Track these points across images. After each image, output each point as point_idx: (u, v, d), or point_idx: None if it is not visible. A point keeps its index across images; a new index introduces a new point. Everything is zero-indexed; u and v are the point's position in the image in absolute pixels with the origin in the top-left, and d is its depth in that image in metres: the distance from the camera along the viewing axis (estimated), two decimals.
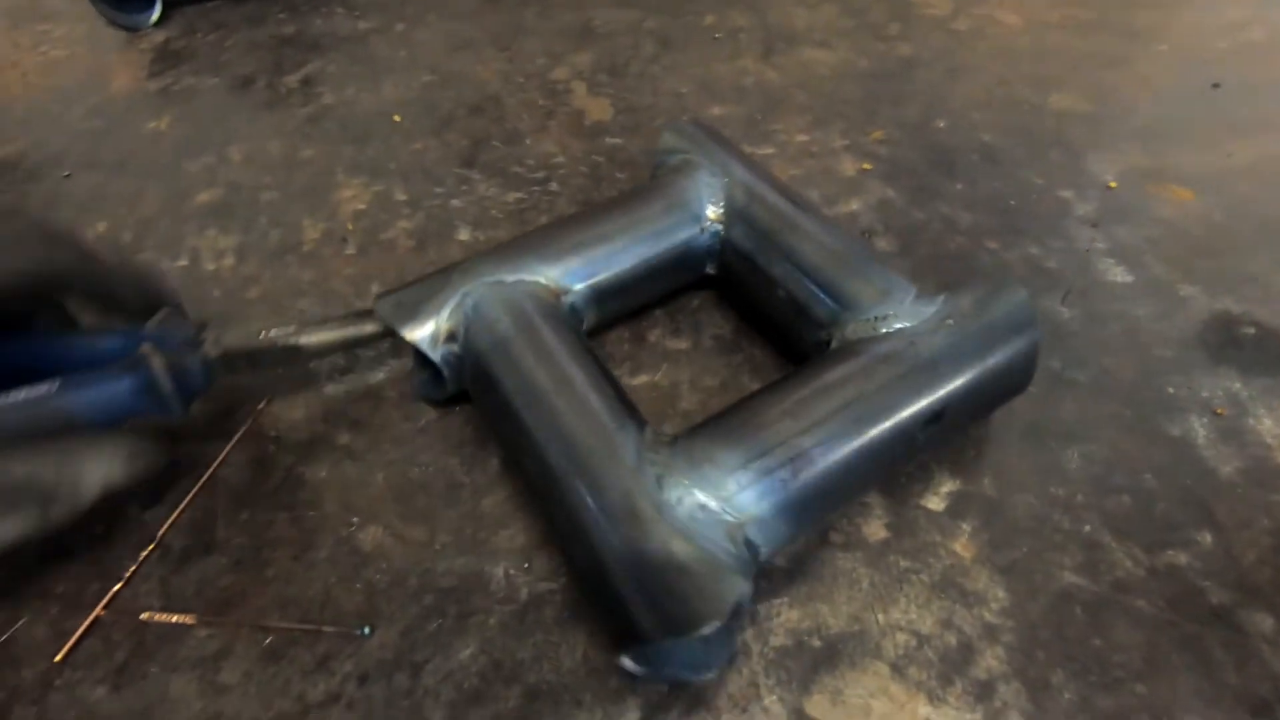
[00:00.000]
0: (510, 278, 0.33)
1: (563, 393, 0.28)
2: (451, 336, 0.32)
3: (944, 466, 0.32)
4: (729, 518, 0.25)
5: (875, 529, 0.31)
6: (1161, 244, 0.42)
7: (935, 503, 0.31)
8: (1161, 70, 0.54)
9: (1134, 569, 0.29)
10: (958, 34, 0.59)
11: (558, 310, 0.33)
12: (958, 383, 0.29)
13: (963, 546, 0.30)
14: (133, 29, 0.64)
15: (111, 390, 0.30)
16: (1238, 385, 0.35)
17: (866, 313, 0.31)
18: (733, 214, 0.36)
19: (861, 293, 0.31)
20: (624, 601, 0.24)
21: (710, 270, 0.38)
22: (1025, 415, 0.34)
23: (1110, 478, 0.32)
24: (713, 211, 0.36)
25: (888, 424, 0.27)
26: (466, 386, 0.33)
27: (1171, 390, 0.35)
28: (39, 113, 0.56)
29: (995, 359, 0.29)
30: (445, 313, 0.32)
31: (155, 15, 0.64)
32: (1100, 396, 0.35)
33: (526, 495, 0.32)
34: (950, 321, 0.30)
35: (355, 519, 0.32)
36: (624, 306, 0.37)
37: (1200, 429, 0.33)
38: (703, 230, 0.36)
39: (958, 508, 0.31)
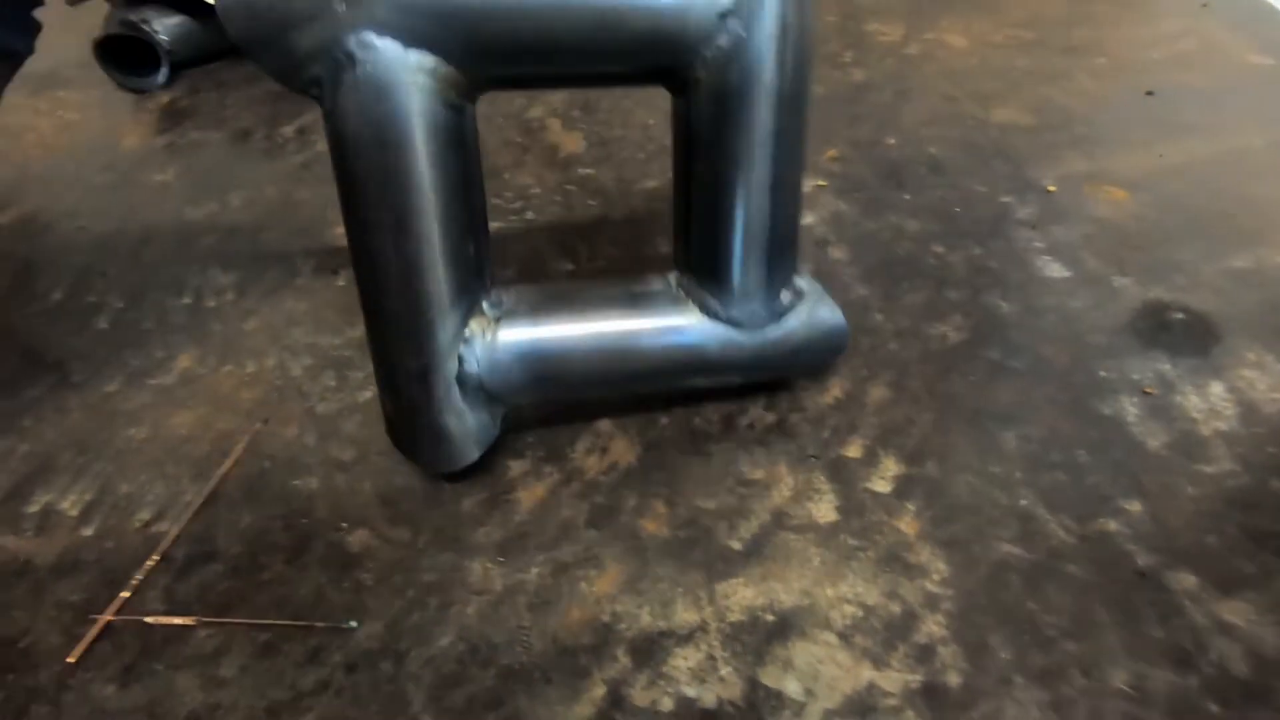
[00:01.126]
0: (415, 54, 0.26)
1: (391, 234, 0.29)
2: (315, 82, 0.27)
3: (890, 453, 0.35)
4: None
5: (825, 511, 0.33)
6: (1096, 240, 0.44)
7: (882, 485, 0.34)
8: (1099, 82, 0.57)
9: (1066, 538, 0.31)
10: (908, 58, 0.63)
11: (450, 118, 0.28)
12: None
13: (907, 524, 0.32)
14: (141, 91, 0.69)
15: None
16: (1167, 366, 0.37)
17: (718, 292, 0.33)
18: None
19: (735, 275, 0.33)
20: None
21: (698, 74, 0.30)
22: (967, 402, 0.37)
23: (1045, 456, 0.34)
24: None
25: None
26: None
27: (1104, 374, 0.37)
28: (55, 171, 0.60)
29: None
30: (310, 60, 0.26)
31: (162, 77, 0.69)
32: (1037, 382, 0.37)
33: (503, 494, 0.34)
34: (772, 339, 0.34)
35: (344, 524, 0.34)
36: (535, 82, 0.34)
37: (1131, 408, 0.36)
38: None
39: (903, 489, 0.33)
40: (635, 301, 0.33)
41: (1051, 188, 0.48)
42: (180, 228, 0.53)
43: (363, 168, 0.27)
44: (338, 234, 0.51)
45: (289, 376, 0.41)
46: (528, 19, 0.25)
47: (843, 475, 0.34)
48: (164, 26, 0.68)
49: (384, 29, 0.24)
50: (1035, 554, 0.31)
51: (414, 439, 0.33)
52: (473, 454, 0.33)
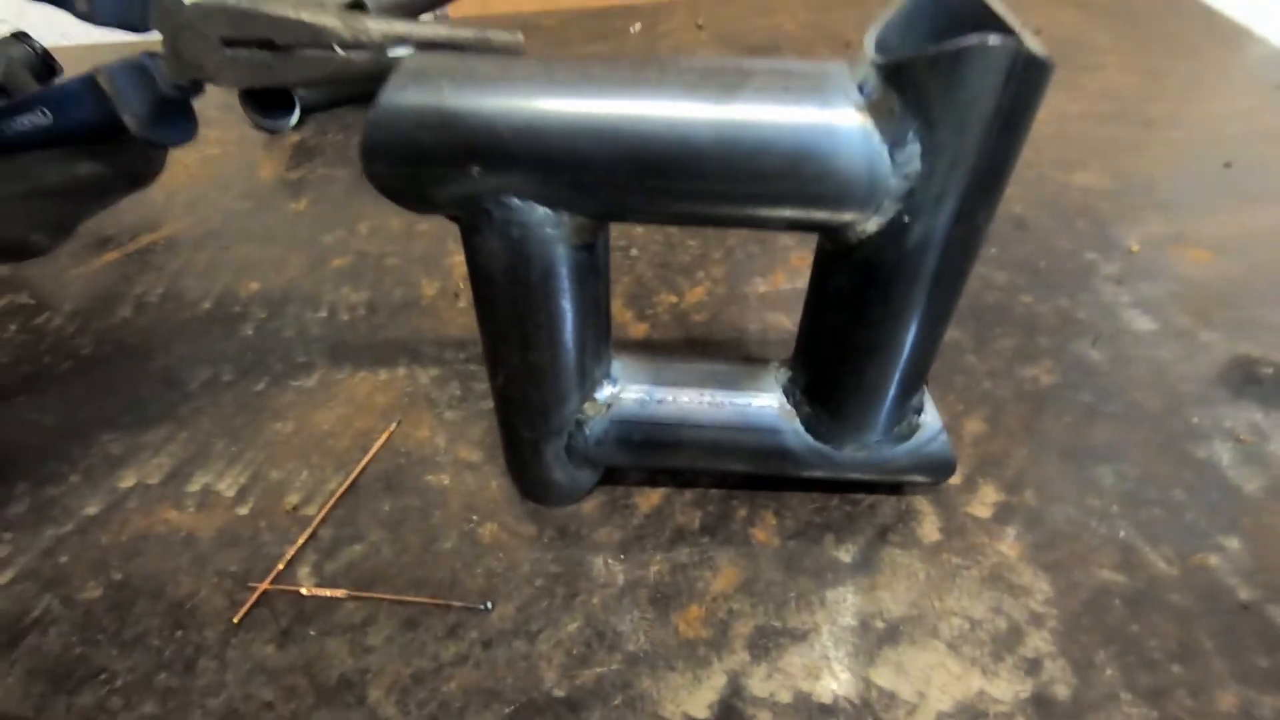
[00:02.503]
0: (545, 213, 0.26)
1: (520, 349, 0.31)
2: (452, 217, 0.28)
3: (988, 481, 0.37)
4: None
5: (929, 531, 0.35)
6: (1183, 297, 0.46)
7: (982, 511, 0.35)
8: (1176, 152, 0.60)
9: (1167, 569, 0.33)
10: None
11: (581, 256, 0.29)
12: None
13: (1008, 547, 0.34)
14: (274, 132, 0.76)
15: (51, 101, 0.30)
16: (1259, 416, 0.39)
17: (829, 421, 0.33)
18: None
19: (848, 418, 0.33)
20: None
21: (850, 240, 0.27)
22: (1061, 441, 0.38)
23: (1142, 493, 0.36)
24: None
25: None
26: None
27: (1196, 420, 0.39)
28: (201, 198, 0.66)
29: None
30: (450, 205, 0.27)
31: (294, 119, 0.77)
32: (1130, 425, 0.39)
33: (621, 500, 0.37)
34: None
35: (475, 517, 0.37)
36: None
37: (1225, 453, 0.37)
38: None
39: (1002, 515, 0.35)
40: (740, 410, 0.34)
41: (1135, 247, 0.51)
42: (314, 250, 0.58)
43: (496, 297, 0.29)
44: (456, 262, 0.55)
45: (418, 384, 0.45)
46: (646, 185, 0.25)
47: (943, 500, 0.36)
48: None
49: (518, 193, 0.25)
50: (1137, 582, 0.32)
51: (526, 484, 0.37)
52: (576, 498, 0.38)
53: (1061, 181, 0.58)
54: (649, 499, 0.37)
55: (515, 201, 0.26)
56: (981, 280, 0.49)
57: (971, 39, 0.21)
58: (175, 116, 0.34)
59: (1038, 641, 0.30)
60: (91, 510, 0.39)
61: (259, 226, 0.62)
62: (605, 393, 0.34)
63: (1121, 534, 0.34)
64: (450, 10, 0.92)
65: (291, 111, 0.76)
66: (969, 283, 0.48)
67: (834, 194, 0.25)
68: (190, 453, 0.42)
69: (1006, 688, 0.29)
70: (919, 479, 0.35)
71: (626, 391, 0.34)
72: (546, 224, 0.26)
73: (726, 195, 0.26)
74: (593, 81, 0.25)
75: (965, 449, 0.38)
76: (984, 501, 0.36)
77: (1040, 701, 0.29)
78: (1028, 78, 0.22)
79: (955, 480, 0.37)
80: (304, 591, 0.35)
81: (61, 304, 0.55)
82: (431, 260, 0.56)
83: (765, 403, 0.34)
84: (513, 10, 1.02)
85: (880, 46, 0.25)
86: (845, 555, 0.34)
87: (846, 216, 0.26)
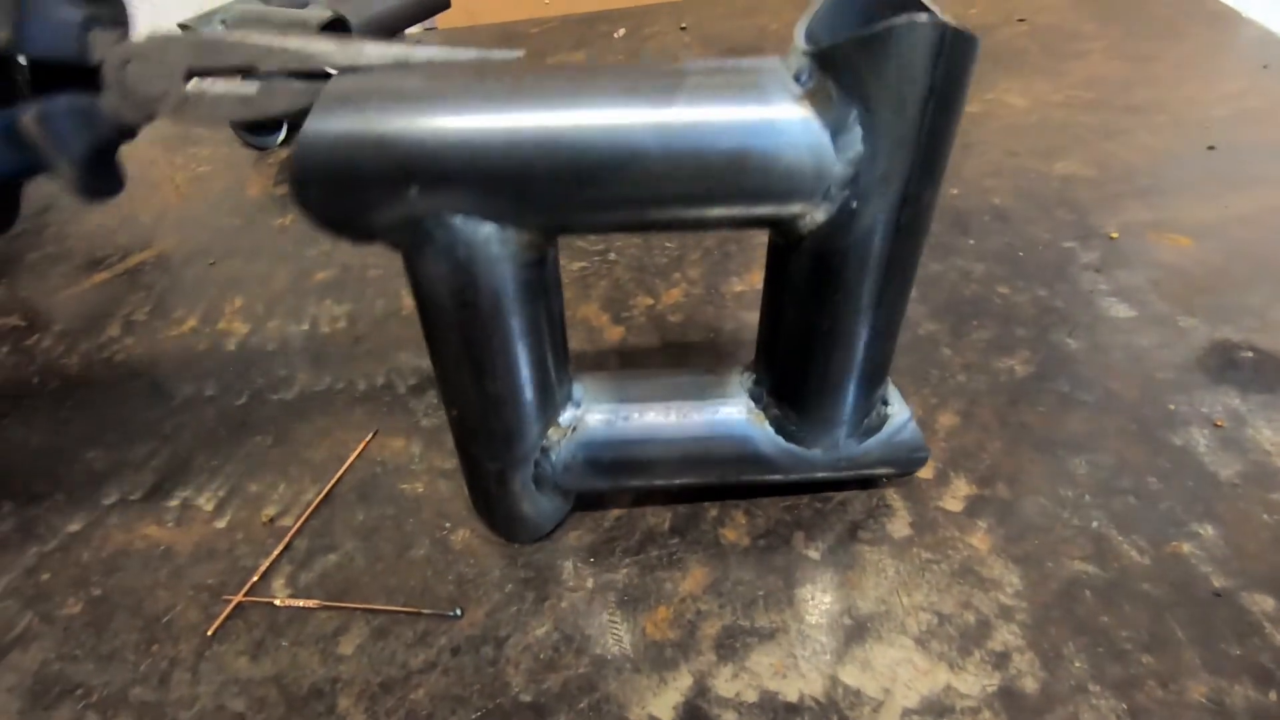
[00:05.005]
0: (489, 229, 0.25)
1: (473, 377, 0.30)
2: (393, 244, 0.27)
3: (960, 475, 0.36)
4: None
5: (899, 527, 0.34)
6: (1162, 284, 0.46)
7: (954, 504, 0.35)
8: (1160, 138, 0.59)
9: (1139, 558, 0.32)
10: (969, 116, 0.66)
11: (530, 273, 0.28)
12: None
13: (979, 540, 0.34)
14: (262, 149, 0.77)
15: None
16: (1237, 402, 0.38)
17: (797, 420, 0.33)
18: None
19: (814, 411, 0.33)
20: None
21: (800, 232, 0.27)
22: (1036, 432, 0.38)
23: (1116, 481, 0.35)
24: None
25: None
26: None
27: (1173, 407, 0.38)
28: (190, 216, 0.67)
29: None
30: (387, 230, 0.26)
31: (281, 136, 0.77)
32: (1106, 413, 0.38)
33: (592, 504, 0.37)
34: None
35: (448, 524, 0.37)
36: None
37: (1201, 439, 0.36)
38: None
39: (974, 508, 0.35)
40: (709, 420, 0.33)
41: (1114, 235, 0.50)
42: (298, 264, 0.59)
43: (444, 323, 0.27)
44: None
45: (396, 394, 0.46)
46: (603, 190, 0.25)
47: (914, 495, 0.36)
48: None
49: (460, 211, 0.25)
50: (1108, 572, 0.32)
51: (494, 520, 0.36)
52: (545, 529, 0.36)
53: (1041, 171, 0.57)
54: (620, 500, 0.37)
55: (458, 220, 0.25)
56: (958, 272, 0.49)
57: (899, 18, 0.22)
58: (108, 165, 0.28)
59: (1006, 635, 0.30)
60: (74, 527, 0.40)
61: (246, 242, 0.62)
62: (568, 415, 0.33)
63: (1094, 524, 0.33)
64: (438, 21, 0.93)
65: (279, 129, 0.77)
66: (945, 275, 0.48)
67: (781, 186, 0.25)
68: (172, 468, 0.43)
69: (974, 682, 0.29)
70: (892, 472, 0.35)
71: (591, 413, 0.33)
72: (492, 242, 0.26)
73: (671, 198, 0.26)
74: (528, 91, 0.25)
75: (938, 443, 0.38)
76: (955, 495, 0.35)
77: (1008, 695, 0.28)
78: (956, 52, 0.23)
79: (927, 474, 0.37)
80: (278, 603, 0.35)
81: (52, 325, 0.56)
82: None
83: (732, 409, 0.33)
84: (499, 20, 1.03)
85: (810, 37, 0.25)
86: (815, 553, 0.34)
87: (795, 208, 0.26)
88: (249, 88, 0.26)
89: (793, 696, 0.29)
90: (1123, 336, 0.43)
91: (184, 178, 0.74)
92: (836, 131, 0.24)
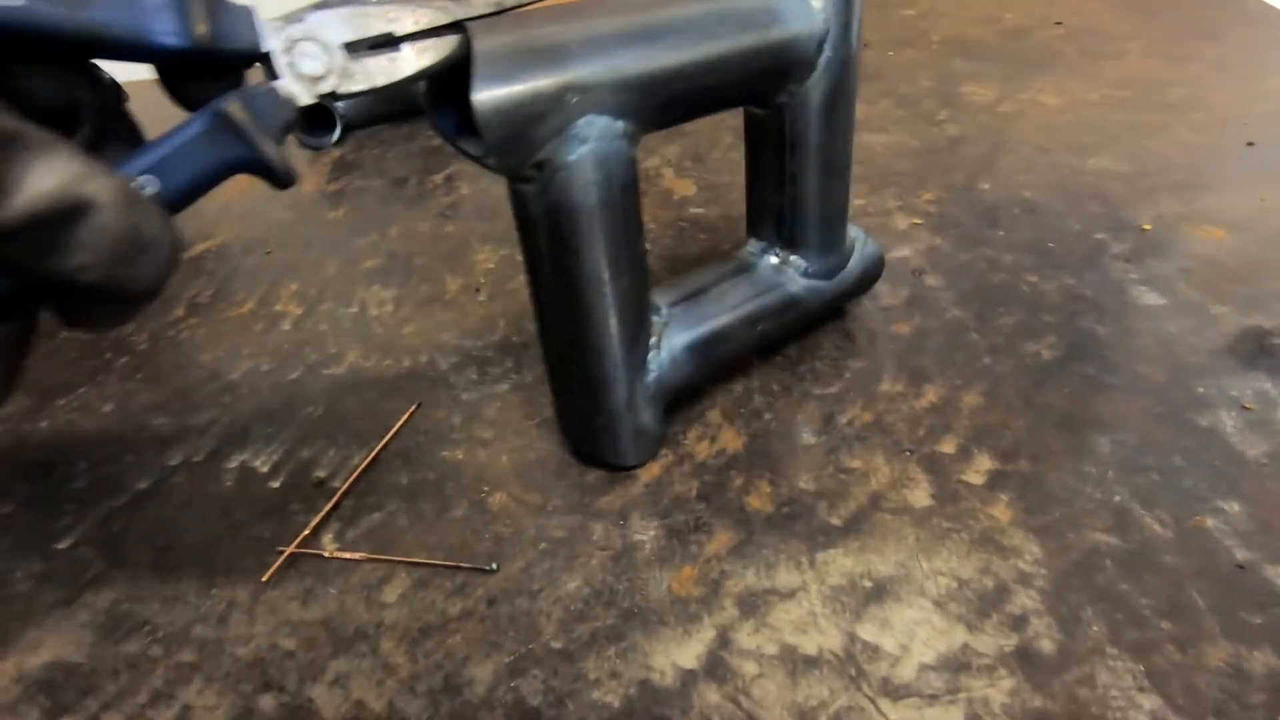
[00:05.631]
0: (620, 121, 0.30)
1: (611, 279, 0.33)
2: (539, 165, 0.30)
3: (983, 451, 0.37)
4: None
5: (920, 497, 0.35)
6: (1194, 273, 0.46)
7: (975, 478, 0.36)
8: (1197, 134, 0.59)
9: (1161, 531, 0.32)
10: (1002, 115, 0.66)
11: (634, 166, 0.32)
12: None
13: (1000, 512, 0.34)
14: (318, 148, 0.81)
15: (175, 143, 0.24)
16: (1267, 385, 0.38)
17: (809, 256, 0.41)
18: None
19: (824, 243, 0.41)
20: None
21: (798, 92, 0.35)
22: (1060, 411, 0.38)
23: (1140, 459, 0.35)
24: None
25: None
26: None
27: (1201, 390, 0.38)
28: (249, 211, 0.71)
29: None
30: (545, 144, 0.29)
31: (335, 137, 0.81)
32: (1132, 395, 0.39)
33: (622, 471, 0.39)
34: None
35: (485, 488, 0.39)
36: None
37: (1229, 420, 0.37)
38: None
39: (996, 482, 0.36)
40: (755, 282, 0.41)
41: (1147, 226, 0.50)
42: (348, 253, 0.62)
43: (581, 233, 0.31)
44: (479, 259, 0.58)
45: (439, 370, 0.48)
46: (690, 79, 0.32)
47: (937, 468, 0.37)
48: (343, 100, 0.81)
49: (602, 109, 0.30)
50: (1129, 543, 0.32)
51: (605, 445, 0.38)
52: (658, 444, 0.40)
53: (1074, 167, 0.58)
54: (649, 470, 0.39)
55: (598, 119, 0.30)
56: (986, 261, 0.49)
57: None
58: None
59: (1024, 600, 0.31)
60: (143, 485, 0.43)
61: (300, 234, 0.66)
62: (659, 316, 0.38)
63: (1116, 498, 0.34)
64: None
65: (334, 129, 0.81)
66: (973, 264, 0.49)
67: (799, 52, 0.34)
68: (231, 434, 0.46)
69: (990, 642, 0.29)
70: (869, 282, 0.45)
71: (671, 310, 0.39)
72: (623, 134, 0.31)
73: (735, 79, 0.34)
74: (621, 8, 0.31)
75: (962, 421, 0.39)
76: (978, 469, 0.36)
77: (1024, 655, 0.29)
78: None
79: (950, 449, 0.37)
80: (326, 554, 0.37)
81: None
82: (455, 259, 0.59)
83: (766, 271, 0.42)
84: None
85: None
86: (837, 520, 0.35)
87: (802, 68, 0.35)
88: (393, 52, 0.28)
89: (811, 650, 0.30)
90: (1152, 323, 0.43)
91: (244, 177, 0.78)
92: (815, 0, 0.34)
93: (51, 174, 0.19)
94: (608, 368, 0.35)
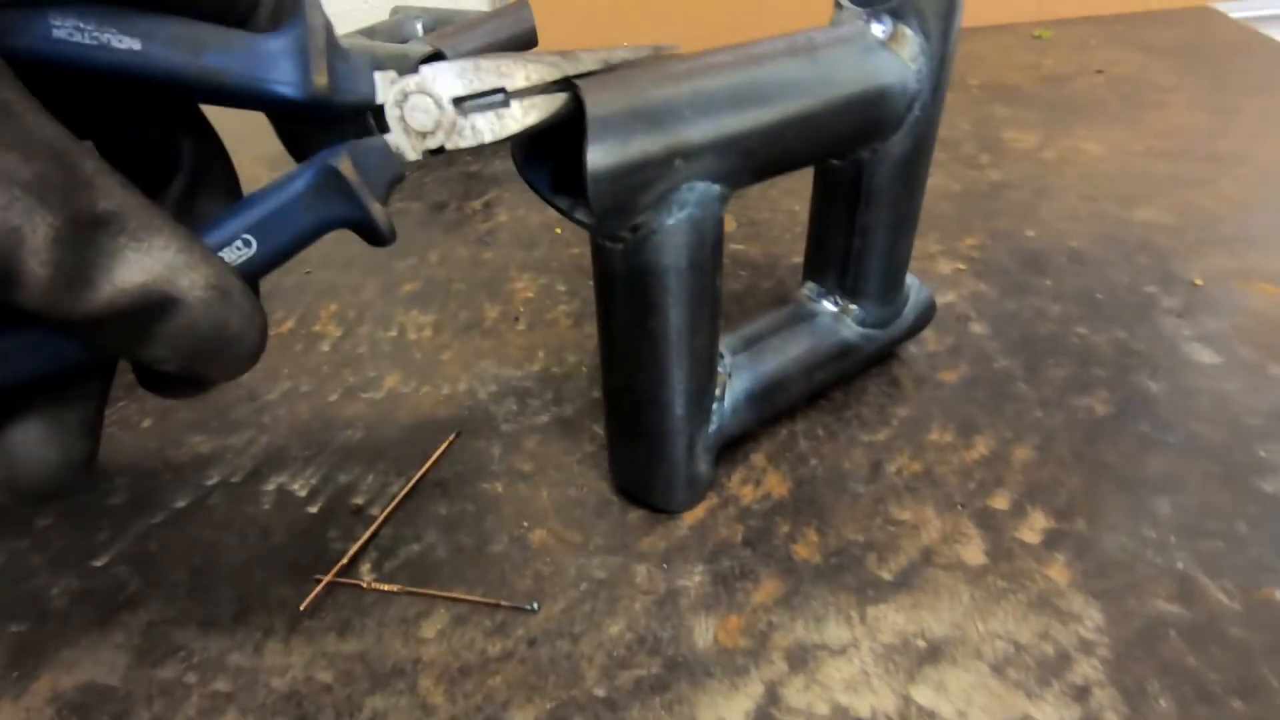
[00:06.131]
0: (718, 186, 0.30)
1: (689, 339, 0.33)
2: (634, 228, 0.29)
3: (1037, 508, 0.36)
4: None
5: (974, 554, 0.35)
6: (1249, 331, 0.45)
7: (1031, 536, 0.35)
8: (1244, 188, 0.59)
9: (1228, 602, 0.31)
10: (1045, 162, 0.66)
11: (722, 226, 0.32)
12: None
13: (1057, 573, 0.33)
14: None
15: (278, 200, 0.23)
16: None
17: (868, 305, 0.41)
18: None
19: (884, 294, 0.41)
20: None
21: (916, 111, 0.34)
22: (1116, 470, 0.38)
23: (1202, 524, 0.35)
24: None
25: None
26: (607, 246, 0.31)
27: (1263, 454, 0.37)
28: None
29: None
30: (646, 210, 0.29)
31: None
32: (1190, 456, 0.38)
33: (665, 512, 0.38)
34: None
35: (525, 523, 0.39)
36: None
37: None
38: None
39: (1052, 541, 0.35)
40: (814, 330, 0.41)
41: (1198, 281, 0.49)
42: (388, 276, 0.62)
43: (668, 291, 0.31)
44: (517, 288, 0.58)
45: (477, 399, 0.48)
46: (791, 140, 0.32)
47: (990, 524, 0.36)
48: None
49: (705, 175, 0.29)
50: (1195, 614, 0.31)
51: (669, 489, 0.38)
52: (703, 496, 0.39)
53: (1121, 217, 0.57)
54: (693, 513, 0.38)
55: (699, 184, 0.30)
56: (1034, 311, 0.49)
57: None
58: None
59: (1087, 669, 0.30)
60: (181, 504, 0.43)
61: (340, 255, 0.66)
62: (724, 364, 0.38)
63: (1179, 565, 0.33)
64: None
65: None
66: (1020, 313, 0.48)
67: (892, 110, 0.34)
68: (269, 455, 0.46)
69: (1052, 712, 0.28)
70: (920, 328, 0.45)
71: (734, 357, 0.39)
72: (719, 197, 0.31)
73: (829, 138, 0.34)
74: (733, 75, 0.30)
75: (1014, 476, 0.38)
76: (1033, 528, 0.35)
77: None
78: None
79: (1003, 505, 0.37)
80: (364, 585, 0.37)
81: None
82: (494, 286, 0.59)
83: (825, 319, 0.41)
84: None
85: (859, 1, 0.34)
86: (887, 574, 0.34)
87: (892, 126, 0.35)
88: (502, 109, 0.26)
89: (864, 712, 0.29)
90: (1208, 381, 0.42)
91: None
92: (911, 60, 0.33)
93: (143, 266, 0.18)
94: (674, 422, 0.35)
